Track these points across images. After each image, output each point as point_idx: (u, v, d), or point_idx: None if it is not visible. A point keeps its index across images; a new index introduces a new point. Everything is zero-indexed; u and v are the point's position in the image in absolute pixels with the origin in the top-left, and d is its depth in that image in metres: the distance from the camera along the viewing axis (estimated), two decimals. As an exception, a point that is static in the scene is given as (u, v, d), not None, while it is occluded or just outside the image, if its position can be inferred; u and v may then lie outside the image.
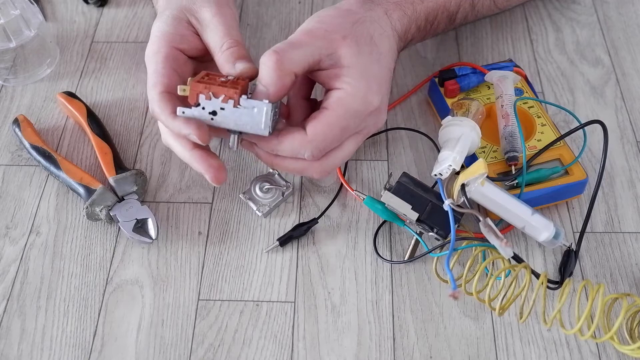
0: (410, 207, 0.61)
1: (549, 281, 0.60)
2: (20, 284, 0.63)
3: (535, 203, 0.63)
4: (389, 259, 0.64)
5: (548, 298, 0.61)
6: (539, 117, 0.69)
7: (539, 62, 0.79)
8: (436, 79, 0.73)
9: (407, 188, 0.62)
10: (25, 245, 0.66)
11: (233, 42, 0.61)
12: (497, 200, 0.60)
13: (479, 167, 0.59)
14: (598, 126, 0.64)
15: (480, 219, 0.58)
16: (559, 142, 0.66)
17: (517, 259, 0.59)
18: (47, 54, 0.79)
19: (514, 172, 0.64)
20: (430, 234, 0.62)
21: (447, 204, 0.60)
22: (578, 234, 0.64)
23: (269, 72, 0.56)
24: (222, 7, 0.63)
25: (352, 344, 0.60)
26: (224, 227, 0.67)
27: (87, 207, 0.66)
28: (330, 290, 0.63)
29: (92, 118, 0.73)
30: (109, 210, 0.66)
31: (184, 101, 0.58)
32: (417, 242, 0.64)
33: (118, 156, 0.70)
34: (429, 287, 0.63)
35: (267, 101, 0.56)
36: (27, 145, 0.71)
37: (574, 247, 0.63)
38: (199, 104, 0.57)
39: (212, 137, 0.58)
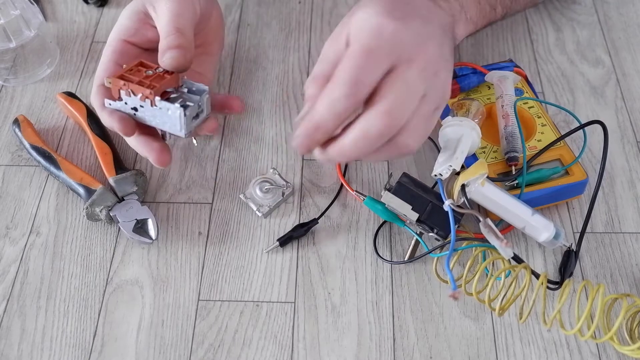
0: (411, 207, 0.61)
1: (549, 281, 0.60)
2: (20, 284, 0.63)
3: (536, 203, 0.63)
4: (389, 259, 0.64)
5: (548, 298, 0.61)
6: (539, 117, 0.69)
7: (539, 62, 0.79)
8: (436, 79, 0.73)
9: (407, 188, 0.62)
10: (25, 245, 0.66)
11: (171, 29, 0.61)
12: (497, 200, 0.60)
13: (479, 168, 0.59)
14: (598, 126, 0.64)
15: (481, 219, 0.58)
16: (559, 143, 0.66)
17: (517, 259, 0.59)
18: (47, 54, 0.79)
19: (514, 173, 0.64)
20: (431, 234, 0.62)
21: (447, 205, 0.60)
22: (578, 234, 0.64)
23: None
24: None
25: (352, 344, 0.60)
26: (224, 227, 0.67)
27: (87, 208, 0.66)
28: (331, 291, 0.63)
29: (92, 118, 0.73)
30: (109, 210, 0.66)
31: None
32: (417, 243, 0.63)
33: (118, 156, 0.70)
34: (429, 288, 0.63)
35: (178, 105, 0.57)
36: (27, 146, 0.71)
37: (574, 247, 0.63)
38: (122, 99, 0.59)
39: (136, 131, 0.60)
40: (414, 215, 0.61)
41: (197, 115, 0.60)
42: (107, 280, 0.64)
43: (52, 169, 0.69)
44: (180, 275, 0.64)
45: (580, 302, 0.60)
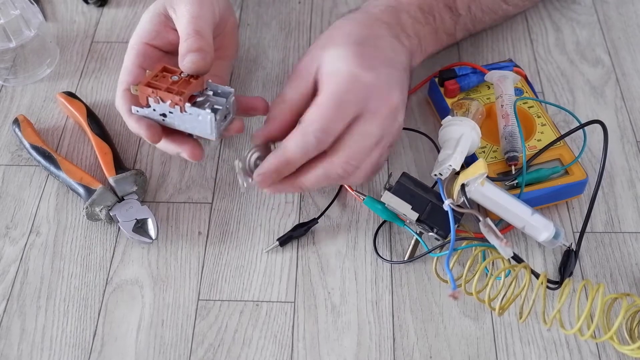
0: (410, 207, 0.61)
1: (549, 281, 0.60)
2: (20, 284, 0.63)
3: (535, 203, 0.63)
4: (389, 259, 0.64)
5: (548, 298, 0.61)
6: (539, 117, 0.69)
7: (539, 62, 0.79)
8: (436, 79, 0.73)
9: (407, 188, 0.62)
10: (25, 245, 0.66)
11: (191, 31, 0.61)
12: (497, 200, 0.60)
13: (479, 167, 0.59)
14: (598, 126, 0.64)
15: (480, 219, 0.58)
16: (559, 142, 0.66)
17: (516, 259, 0.59)
18: (47, 54, 0.79)
19: (514, 172, 0.64)
20: (430, 234, 0.62)
21: (447, 204, 0.60)
22: (578, 234, 0.64)
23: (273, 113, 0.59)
24: None
25: (352, 344, 0.60)
26: (223, 227, 0.67)
27: (87, 207, 0.66)
28: (330, 290, 0.63)
29: (92, 118, 0.73)
30: (109, 210, 0.66)
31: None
32: (417, 242, 0.64)
33: (118, 156, 0.70)
34: (428, 287, 0.63)
35: (209, 110, 0.58)
36: (27, 145, 0.71)
37: (573, 247, 0.63)
38: (149, 106, 0.59)
39: (163, 137, 0.61)
40: (414, 215, 0.61)
41: (224, 117, 0.60)
42: (107, 280, 0.64)
43: (52, 168, 0.69)
44: (180, 275, 0.64)
45: (580, 302, 0.60)
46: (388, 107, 0.59)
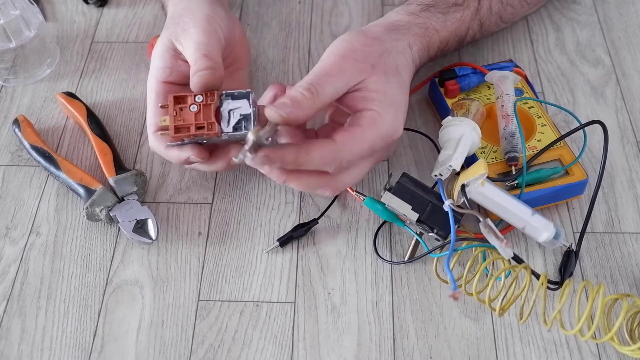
0: (411, 207, 0.61)
1: (549, 282, 0.60)
2: (20, 285, 0.63)
3: (536, 203, 0.63)
4: (389, 259, 0.64)
5: (548, 298, 0.61)
6: (539, 117, 0.69)
7: (539, 62, 0.79)
8: (436, 79, 0.73)
9: (407, 188, 0.62)
10: (25, 245, 0.66)
11: (200, 55, 0.62)
12: (497, 200, 0.60)
13: (479, 168, 0.59)
14: (598, 126, 0.64)
15: (481, 219, 0.58)
16: (559, 143, 0.66)
17: (517, 259, 0.59)
18: (47, 54, 0.79)
19: (514, 173, 0.64)
20: (431, 234, 0.62)
21: (447, 205, 0.60)
22: (578, 234, 0.64)
23: (304, 101, 0.57)
24: (201, 27, 0.64)
25: (352, 344, 0.60)
26: (224, 227, 0.67)
27: (87, 208, 0.66)
28: (331, 291, 0.63)
29: (92, 118, 0.73)
30: (109, 210, 0.66)
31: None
32: (417, 243, 0.63)
33: (118, 156, 0.70)
34: (429, 288, 0.63)
35: (246, 131, 0.59)
36: (27, 146, 0.71)
37: (574, 247, 0.63)
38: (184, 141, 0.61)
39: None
40: (414, 215, 0.61)
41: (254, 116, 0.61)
42: (107, 280, 0.64)
43: (52, 169, 0.69)
44: (180, 275, 0.64)
45: (580, 303, 0.60)
46: (387, 155, 0.66)
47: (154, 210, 0.68)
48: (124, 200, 0.67)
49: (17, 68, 0.78)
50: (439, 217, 0.61)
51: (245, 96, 0.61)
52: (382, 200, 0.62)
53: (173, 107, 0.60)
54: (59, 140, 0.74)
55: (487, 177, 0.60)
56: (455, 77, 0.72)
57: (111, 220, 0.66)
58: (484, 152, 0.67)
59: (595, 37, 0.81)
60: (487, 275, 0.60)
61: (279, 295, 0.62)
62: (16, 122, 0.72)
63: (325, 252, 0.65)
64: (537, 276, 0.58)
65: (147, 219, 0.66)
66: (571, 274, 0.62)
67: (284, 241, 0.65)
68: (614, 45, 0.81)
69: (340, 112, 0.63)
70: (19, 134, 0.72)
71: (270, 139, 0.56)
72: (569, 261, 0.62)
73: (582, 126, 0.65)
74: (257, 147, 0.56)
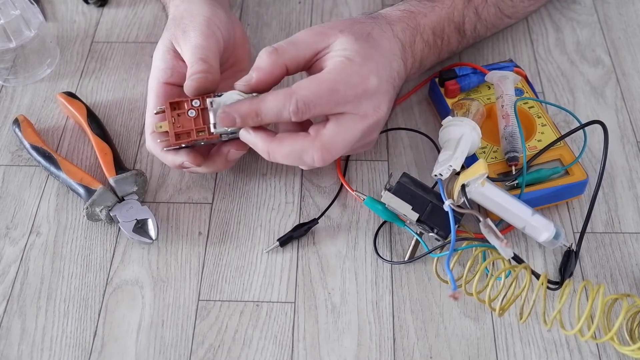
0: (411, 207, 0.61)
1: (549, 282, 0.60)
2: (20, 285, 0.63)
3: (536, 203, 0.63)
4: (389, 259, 0.64)
5: (548, 298, 0.61)
6: (539, 117, 0.69)
7: (539, 62, 0.79)
8: (436, 79, 0.73)
9: (407, 188, 0.62)
10: (26, 245, 0.66)
11: (195, 59, 0.63)
12: (497, 200, 0.60)
13: (479, 168, 0.59)
14: (598, 126, 0.64)
15: (481, 219, 0.58)
16: (559, 143, 0.66)
17: (517, 259, 0.59)
18: (47, 54, 0.79)
19: (514, 173, 0.64)
20: (431, 234, 0.62)
21: (447, 205, 0.60)
22: (578, 234, 0.64)
23: (262, 61, 0.59)
24: (200, 30, 0.65)
25: (352, 344, 0.60)
26: (224, 227, 0.67)
27: (87, 208, 0.66)
28: (331, 291, 0.63)
29: (92, 118, 0.73)
30: (109, 210, 0.66)
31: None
32: (417, 243, 0.63)
33: (118, 156, 0.70)
34: (429, 288, 0.63)
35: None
36: (27, 146, 0.71)
37: (574, 247, 0.63)
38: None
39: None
40: (414, 215, 0.61)
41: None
42: (107, 280, 0.64)
43: (52, 169, 0.69)
44: (180, 275, 0.64)
45: (580, 302, 0.60)
46: (375, 118, 0.61)
47: (154, 210, 0.68)
48: (124, 200, 0.67)
49: (17, 68, 0.78)
50: (439, 217, 0.61)
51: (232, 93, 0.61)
52: (382, 200, 0.62)
53: (170, 114, 0.61)
54: (59, 140, 0.74)
55: (487, 177, 0.60)
56: (455, 77, 0.72)
57: (111, 220, 0.66)
58: (484, 152, 0.67)
59: (595, 37, 0.81)
60: (487, 275, 0.60)
61: (279, 295, 0.62)
62: (16, 122, 0.72)
63: (325, 252, 0.65)
64: (537, 276, 0.58)
65: (147, 219, 0.66)
66: (571, 274, 0.62)
67: (284, 241, 0.65)
68: (614, 45, 0.81)
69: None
70: (19, 133, 0.72)
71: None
72: (569, 261, 0.62)
73: (582, 126, 0.65)
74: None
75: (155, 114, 0.63)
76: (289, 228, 0.66)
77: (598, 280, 0.63)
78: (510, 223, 0.62)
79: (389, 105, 0.63)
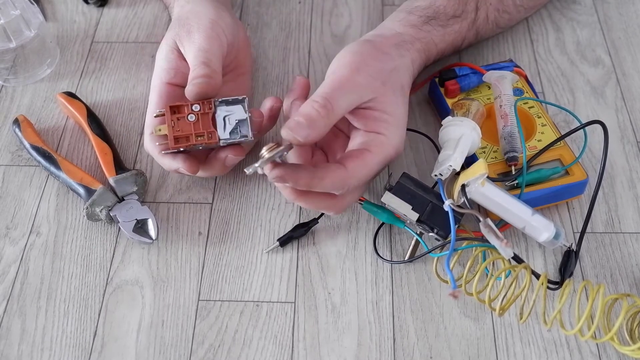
0: (411, 207, 0.61)
1: (549, 281, 0.60)
2: (20, 285, 0.63)
3: (536, 203, 0.63)
4: (389, 259, 0.64)
5: (548, 298, 0.61)
6: (539, 117, 0.69)
7: (539, 62, 0.79)
8: (436, 79, 0.73)
9: (407, 188, 0.62)
10: (26, 245, 0.66)
11: (197, 62, 0.63)
12: (497, 200, 0.60)
13: (479, 168, 0.59)
14: (598, 126, 0.64)
15: (481, 219, 0.58)
16: (559, 143, 0.66)
17: (517, 259, 0.59)
18: (47, 54, 0.79)
19: (514, 173, 0.64)
20: (431, 234, 0.62)
21: (447, 205, 0.60)
22: (578, 234, 0.64)
23: (319, 119, 0.57)
24: (205, 32, 0.65)
25: (352, 344, 0.60)
26: (224, 227, 0.67)
27: (87, 208, 0.66)
28: (331, 291, 0.63)
29: (92, 118, 0.73)
30: (109, 210, 0.66)
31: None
32: (417, 243, 0.63)
33: (118, 156, 0.70)
34: (429, 288, 0.63)
35: (243, 137, 0.61)
36: (27, 146, 0.71)
37: (574, 247, 0.63)
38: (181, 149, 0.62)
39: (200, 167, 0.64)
40: (414, 215, 0.61)
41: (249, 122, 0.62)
42: (107, 280, 0.64)
43: (52, 169, 0.69)
44: (180, 275, 0.64)
45: (580, 302, 0.60)
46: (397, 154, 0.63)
47: (154, 210, 0.68)
48: (124, 200, 0.67)
49: (17, 68, 0.78)
50: (439, 217, 0.61)
51: (240, 102, 0.62)
52: (382, 200, 0.62)
53: (170, 118, 0.61)
54: (59, 140, 0.74)
55: (487, 177, 0.60)
56: (455, 77, 0.72)
57: (111, 220, 0.66)
58: (484, 152, 0.67)
59: (595, 37, 0.81)
60: (487, 275, 0.60)
61: (279, 295, 0.62)
62: (16, 122, 0.72)
63: (325, 252, 0.65)
64: (537, 276, 0.58)
65: (147, 219, 0.66)
66: (571, 274, 0.62)
67: (284, 241, 0.65)
68: (614, 45, 0.81)
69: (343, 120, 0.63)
70: (19, 133, 0.72)
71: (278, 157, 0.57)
72: (569, 261, 0.62)
73: (583, 126, 0.65)
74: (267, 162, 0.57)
75: (155, 117, 0.63)
76: (289, 228, 0.66)
77: (598, 280, 0.63)
78: (510, 223, 0.62)
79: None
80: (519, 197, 0.62)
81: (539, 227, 0.60)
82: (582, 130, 0.66)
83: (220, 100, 0.62)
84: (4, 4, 0.73)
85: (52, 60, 0.80)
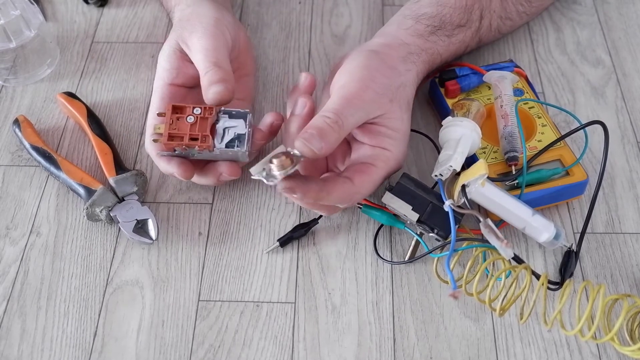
0: (411, 208, 0.61)
1: (549, 282, 0.60)
2: (20, 285, 0.63)
3: (536, 204, 0.63)
4: (389, 259, 0.64)
5: (548, 299, 0.61)
6: (539, 117, 0.69)
7: (539, 62, 0.79)
8: (436, 79, 0.73)
9: (407, 189, 0.62)
10: (26, 245, 0.66)
11: (209, 64, 0.62)
12: (497, 201, 0.60)
13: (480, 168, 0.59)
14: (598, 127, 0.64)
15: (481, 219, 0.58)
16: (559, 143, 0.66)
17: (517, 259, 0.59)
18: (47, 54, 0.79)
19: (514, 173, 0.64)
20: (431, 234, 0.62)
21: (447, 205, 0.60)
22: (578, 234, 0.64)
23: (331, 133, 0.57)
24: (209, 29, 0.65)
25: (352, 344, 0.60)
26: (224, 227, 0.67)
27: (87, 208, 0.66)
28: (331, 291, 0.63)
29: (93, 118, 0.73)
30: (109, 210, 0.66)
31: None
32: (417, 243, 0.63)
33: (118, 156, 0.70)
34: (429, 288, 0.63)
35: (240, 148, 0.61)
36: (27, 146, 0.71)
37: (574, 247, 0.63)
38: (176, 151, 0.62)
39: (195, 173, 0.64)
40: (415, 216, 0.61)
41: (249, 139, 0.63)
42: (107, 280, 0.64)
43: (53, 169, 0.69)
44: (180, 275, 0.64)
45: (580, 303, 0.60)
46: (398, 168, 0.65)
47: (154, 210, 0.68)
48: (124, 200, 0.67)
49: (17, 68, 0.78)
50: (439, 217, 0.61)
51: (243, 116, 0.62)
52: (382, 200, 0.62)
53: (170, 116, 0.61)
54: (59, 140, 0.74)
55: (488, 177, 0.60)
56: (455, 77, 0.72)
57: (111, 220, 0.66)
58: (485, 152, 0.67)
59: (595, 37, 0.81)
60: (487, 275, 0.60)
61: (279, 296, 0.62)
62: (16, 122, 0.72)
63: (325, 253, 0.65)
64: (538, 276, 0.58)
65: (147, 219, 0.66)
66: (571, 275, 0.62)
67: (284, 241, 0.65)
68: (614, 46, 0.81)
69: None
70: (19, 134, 0.72)
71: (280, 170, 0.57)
72: (569, 261, 0.62)
73: (583, 126, 0.65)
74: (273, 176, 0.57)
75: (158, 115, 0.63)
76: (289, 228, 0.66)
77: (598, 281, 0.63)
78: (510, 223, 0.62)
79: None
80: (519, 197, 0.62)
81: (539, 227, 0.60)
82: (582, 130, 0.66)
83: (223, 110, 0.62)
84: (4, 4, 0.73)
85: (52, 60, 0.80)
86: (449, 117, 0.64)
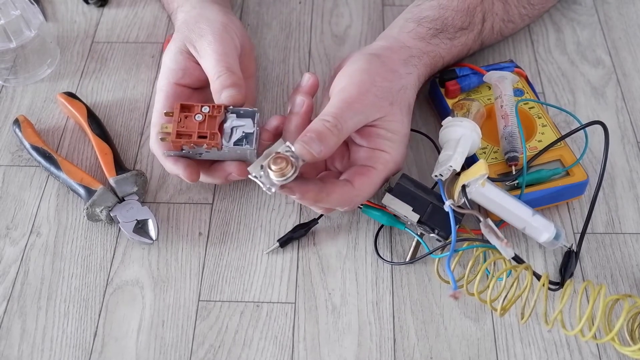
0: (411, 208, 0.61)
1: (550, 282, 0.60)
2: (20, 285, 0.63)
3: (536, 204, 0.63)
4: (389, 260, 0.64)
5: (549, 299, 0.61)
6: (539, 117, 0.69)
7: (539, 62, 0.79)
8: (436, 80, 0.73)
9: (407, 190, 0.62)
10: (26, 246, 0.66)
11: (222, 69, 0.63)
12: (497, 201, 0.60)
13: (480, 168, 0.59)
14: (599, 127, 0.64)
15: (481, 219, 0.58)
16: (559, 143, 0.66)
17: (517, 259, 0.59)
18: (47, 54, 0.79)
19: (514, 173, 0.64)
20: (432, 235, 0.62)
21: (447, 205, 0.60)
22: (579, 234, 0.64)
23: (330, 137, 0.58)
24: (219, 34, 0.65)
25: (352, 344, 0.60)
26: (224, 227, 0.67)
27: (87, 208, 0.66)
28: (331, 291, 0.63)
29: (93, 118, 0.73)
30: (110, 211, 0.66)
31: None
32: (418, 244, 0.63)
33: (118, 157, 0.70)
34: (429, 288, 0.63)
35: (248, 146, 0.61)
36: (28, 146, 0.71)
37: (574, 248, 0.63)
38: (183, 149, 0.61)
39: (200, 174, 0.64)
40: (415, 217, 0.61)
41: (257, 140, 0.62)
42: (107, 280, 0.64)
43: (53, 169, 0.69)
44: (180, 275, 0.64)
45: (581, 303, 0.59)
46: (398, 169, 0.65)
47: (155, 210, 0.68)
48: (124, 200, 0.67)
49: (17, 68, 0.78)
50: (439, 217, 0.61)
51: (251, 115, 0.62)
52: (382, 201, 0.62)
53: (178, 115, 0.61)
54: (59, 140, 0.74)
55: (488, 177, 0.60)
56: (455, 77, 0.72)
57: (111, 220, 0.66)
58: (485, 152, 0.67)
59: (595, 38, 0.81)
60: (488, 275, 0.60)
61: (279, 296, 0.62)
62: (16, 122, 0.72)
63: (325, 253, 0.65)
64: (538, 277, 0.58)
65: (147, 219, 0.66)
66: (572, 275, 0.62)
67: (284, 242, 0.65)
68: (614, 46, 0.81)
69: None
70: (20, 134, 0.72)
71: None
72: (569, 262, 0.62)
73: (583, 126, 0.65)
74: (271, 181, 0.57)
75: (165, 114, 0.63)
76: (289, 228, 0.66)
77: (598, 281, 0.63)
78: (510, 224, 0.62)
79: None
80: (519, 197, 0.62)
81: (540, 227, 0.60)
82: (582, 130, 0.66)
83: (231, 109, 0.62)
84: (4, 4, 0.73)
85: (53, 60, 0.80)
86: (449, 117, 0.64)
